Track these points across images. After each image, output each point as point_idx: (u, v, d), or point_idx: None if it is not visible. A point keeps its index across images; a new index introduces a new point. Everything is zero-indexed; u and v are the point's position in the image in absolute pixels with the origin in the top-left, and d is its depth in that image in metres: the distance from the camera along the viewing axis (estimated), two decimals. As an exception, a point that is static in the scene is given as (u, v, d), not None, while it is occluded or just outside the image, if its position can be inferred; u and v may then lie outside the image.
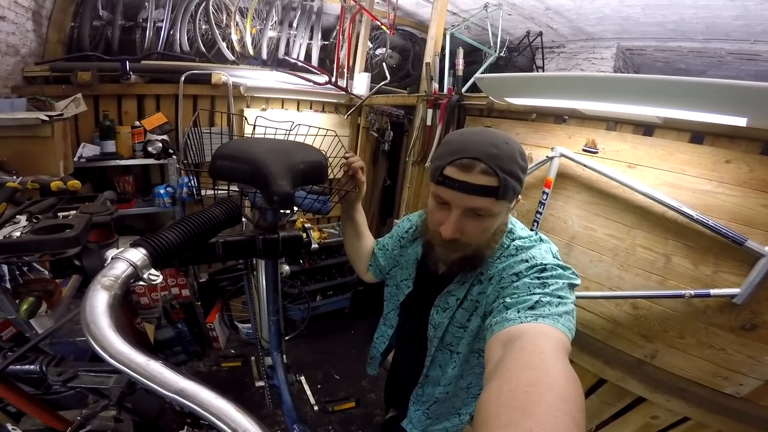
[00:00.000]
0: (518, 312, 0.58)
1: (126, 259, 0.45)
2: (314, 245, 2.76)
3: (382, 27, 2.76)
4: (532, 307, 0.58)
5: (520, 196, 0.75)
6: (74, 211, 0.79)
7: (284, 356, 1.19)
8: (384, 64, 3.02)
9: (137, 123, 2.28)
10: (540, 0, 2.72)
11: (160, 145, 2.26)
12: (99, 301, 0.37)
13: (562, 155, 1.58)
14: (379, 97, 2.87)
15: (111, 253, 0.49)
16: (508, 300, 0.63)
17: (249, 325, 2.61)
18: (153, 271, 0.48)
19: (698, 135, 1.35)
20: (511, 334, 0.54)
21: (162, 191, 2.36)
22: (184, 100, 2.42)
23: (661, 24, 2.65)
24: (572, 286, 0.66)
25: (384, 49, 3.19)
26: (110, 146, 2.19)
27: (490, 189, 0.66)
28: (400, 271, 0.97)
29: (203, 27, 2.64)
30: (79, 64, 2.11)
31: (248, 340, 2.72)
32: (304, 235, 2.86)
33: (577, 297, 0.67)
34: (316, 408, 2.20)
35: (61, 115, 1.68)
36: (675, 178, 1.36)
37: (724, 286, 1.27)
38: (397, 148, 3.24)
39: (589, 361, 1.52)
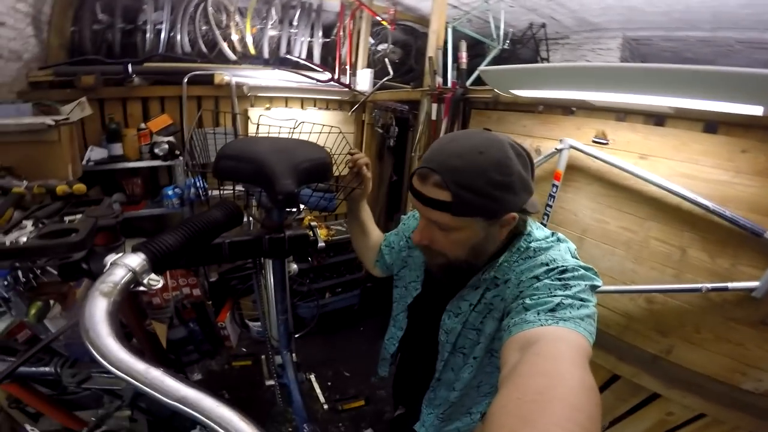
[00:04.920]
0: (538, 314, 0.56)
1: (125, 264, 0.45)
2: (321, 243, 2.76)
3: (383, 23, 2.74)
4: (552, 310, 0.56)
5: (515, 215, 0.66)
6: (80, 215, 0.79)
7: (294, 355, 1.19)
8: (386, 59, 2.98)
9: (143, 125, 2.30)
10: (542, -9, 2.65)
11: (167, 146, 2.27)
12: (98, 309, 0.36)
13: (571, 147, 1.55)
14: (382, 92, 2.85)
15: (110, 258, 0.48)
16: (527, 301, 0.60)
17: (259, 323, 2.63)
18: (153, 275, 0.48)
19: (712, 124, 1.31)
20: (528, 338, 0.53)
21: (170, 193, 2.38)
22: (189, 101, 2.43)
23: (667, 13, 2.57)
24: (594, 288, 0.63)
25: (386, 45, 3.15)
26: (117, 149, 2.21)
27: (442, 203, 0.63)
28: (408, 273, 0.94)
29: (203, 28, 2.62)
30: (82, 68, 2.13)
31: (259, 338, 2.73)
32: (311, 233, 2.83)
33: (593, 293, 0.65)
34: (326, 407, 2.21)
35: (67, 119, 1.69)
36: (689, 169, 1.32)
37: (743, 279, 1.22)
38: (403, 144, 3.20)
39: (602, 357, 1.49)
